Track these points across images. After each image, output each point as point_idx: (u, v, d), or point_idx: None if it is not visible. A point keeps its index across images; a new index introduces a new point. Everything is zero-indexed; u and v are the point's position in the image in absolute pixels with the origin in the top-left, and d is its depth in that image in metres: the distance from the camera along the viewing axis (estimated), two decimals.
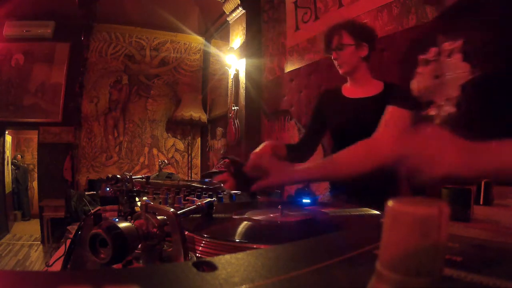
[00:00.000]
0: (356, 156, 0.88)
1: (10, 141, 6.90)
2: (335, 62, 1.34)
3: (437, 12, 0.85)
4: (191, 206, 0.53)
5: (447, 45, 0.76)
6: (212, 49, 5.32)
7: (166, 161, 5.15)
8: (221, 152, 4.65)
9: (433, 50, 0.79)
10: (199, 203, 0.55)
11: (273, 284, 0.18)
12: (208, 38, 5.42)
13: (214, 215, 0.58)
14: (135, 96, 5.28)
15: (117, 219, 0.40)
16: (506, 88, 0.66)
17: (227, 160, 2.05)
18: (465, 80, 0.71)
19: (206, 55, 5.59)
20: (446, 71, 0.75)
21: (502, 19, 0.66)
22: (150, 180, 1.00)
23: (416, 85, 0.84)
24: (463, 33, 0.72)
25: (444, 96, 0.77)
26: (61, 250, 0.70)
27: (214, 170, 2.06)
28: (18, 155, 7.26)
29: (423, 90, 0.82)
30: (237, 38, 3.77)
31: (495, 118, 0.69)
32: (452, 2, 0.77)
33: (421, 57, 0.83)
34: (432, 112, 0.80)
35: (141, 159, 5.28)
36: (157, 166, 5.08)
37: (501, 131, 0.57)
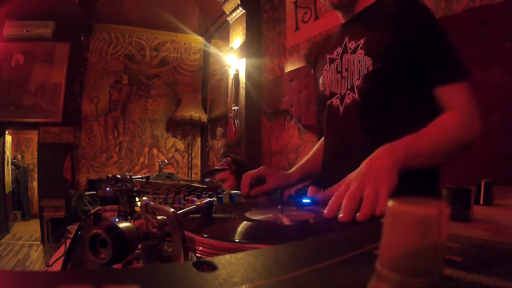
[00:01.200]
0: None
1: (10, 141, 6.90)
2: None
3: (345, 19, 1.00)
4: (191, 206, 0.53)
5: (352, 44, 0.92)
6: (212, 49, 5.32)
7: (166, 161, 5.15)
8: (221, 152, 4.65)
9: (338, 50, 0.96)
10: (199, 203, 0.55)
11: (273, 284, 0.18)
12: (208, 38, 5.42)
13: (214, 215, 0.58)
14: (135, 96, 5.28)
15: (117, 219, 0.40)
16: (397, 76, 0.83)
17: (229, 158, 2.05)
18: (367, 71, 0.85)
19: (206, 55, 5.59)
20: (351, 65, 0.90)
21: (394, 23, 0.84)
22: (150, 180, 1.00)
23: (321, 81, 1.01)
24: (365, 33, 0.89)
25: (346, 87, 0.92)
26: (61, 250, 0.70)
27: (216, 167, 2.06)
28: (18, 155, 7.27)
29: (327, 84, 0.99)
30: (237, 38, 3.77)
31: (388, 102, 0.85)
32: (357, 12, 0.95)
33: (329, 56, 0.99)
34: (336, 102, 0.95)
35: (141, 159, 5.28)
36: (157, 166, 5.08)
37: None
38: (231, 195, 0.88)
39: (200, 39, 5.51)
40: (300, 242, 0.26)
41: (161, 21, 4.88)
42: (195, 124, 5.22)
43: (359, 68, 0.87)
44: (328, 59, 0.99)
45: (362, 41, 0.88)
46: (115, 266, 0.35)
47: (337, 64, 0.95)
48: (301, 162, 1.15)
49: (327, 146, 1.03)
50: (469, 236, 0.29)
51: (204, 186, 1.07)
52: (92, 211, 0.83)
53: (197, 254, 0.43)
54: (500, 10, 1.54)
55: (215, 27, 5.06)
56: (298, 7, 3.02)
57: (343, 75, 0.92)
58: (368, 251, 0.24)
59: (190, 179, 5.03)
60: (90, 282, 0.16)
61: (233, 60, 3.78)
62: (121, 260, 0.36)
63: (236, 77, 3.83)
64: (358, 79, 0.87)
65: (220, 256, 0.22)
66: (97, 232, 0.35)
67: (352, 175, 0.63)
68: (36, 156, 5.12)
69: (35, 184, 6.69)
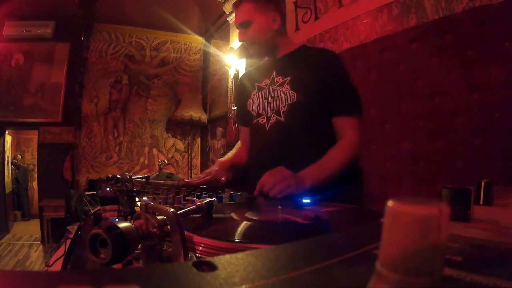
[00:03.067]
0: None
1: (10, 141, 6.90)
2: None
3: (270, 59, 1.28)
4: (191, 206, 0.53)
5: (279, 79, 1.20)
6: (212, 49, 5.32)
7: (166, 161, 5.15)
8: (221, 152, 4.65)
9: (266, 81, 1.25)
10: (199, 203, 0.55)
11: (273, 284, 0.18)
12: (208, 38, 5.42)
13: (214, 215, 0.58)
14: (135, 96, 5.28)
15: (117, 219, 0.40)
16: (314, 107, 1.13)
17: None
18: (292, 102, 1.14)
19: (206, 55, 5.59)
20: (277, 95, 1.19)
21: (311, 68, 1.16)
22: (150, 180, 1.00)
23: (250, 103, 1.29)
24: (291, 73, 1.17)
25: (272, 111, 1.20)
26: (61, 250, 0.69)
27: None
28: (18, 155, 7.27)
29: (255, 107, 1.27)
30: (237, 38, 3.76)
31: (306, 126, 1.15)
32: (280, 55, 1.25)
33: (257, 84, 1.28)
34: (263, 121, 1.22)
35: (141, 159, 5.28)
36: (157, 166, 5.08)
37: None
38: (231, 195, 0.88)
39: (200, 39, 5.51)
40: (300, 242, 0.26)
41: (161, 21, 4.88)
42: (195, 124, 5.22)
43: (286, 99, 1.15)
44: (256, 86, 1.27)
45: (288, 79, 1.16)
46: (115, 266, 0.35)
47: (265, 92, 1.23)
48: (228, 157, 1.42)
49: (252, 153, 1.30)
50: (469, 236, 0.29)
51: (204, 186, 1.07)
52: (92, 211, 0.83)
53: (197, 254, 0.43)
54: (500, 10, 1.54)
55: (215, 27, 5.05)
56: (298, 7, 3.02)
57: (269, 101, 1.21)
58: (368, 251, 0.24)
59: (190, 179, 5.01)
60: (90, 282, 0.16)
61: (233, 60, 3.78)
62: (121, 260, 0.36)
63: (236, 77, 3.82)
64: (284, 106, 1.16)
65: (220, 256, 0.22)
66: (97, 232, 0.35)
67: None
68: (36, 156, 5.12)
69: (35, 184, 6.69)
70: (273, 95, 1.20)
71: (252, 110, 1.27)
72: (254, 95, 1.28)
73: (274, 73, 1.22)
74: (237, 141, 1.52)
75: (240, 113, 1.39)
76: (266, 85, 1.24)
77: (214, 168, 1.32)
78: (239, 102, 1.42)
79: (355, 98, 1.14)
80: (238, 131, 3.66)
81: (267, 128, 1.20)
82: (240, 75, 3.74)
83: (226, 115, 4.03)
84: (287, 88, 1.15)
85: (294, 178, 0.95)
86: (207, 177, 1.23)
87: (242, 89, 1.38)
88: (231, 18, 3.87)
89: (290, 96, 1.14)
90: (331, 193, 0.96)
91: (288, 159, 1.06)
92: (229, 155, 1.45)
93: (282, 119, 1.16)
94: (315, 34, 2.80)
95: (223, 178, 1.24)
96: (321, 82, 1.11)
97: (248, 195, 1.00)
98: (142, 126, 5.30)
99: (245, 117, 1.33)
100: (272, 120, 1.19)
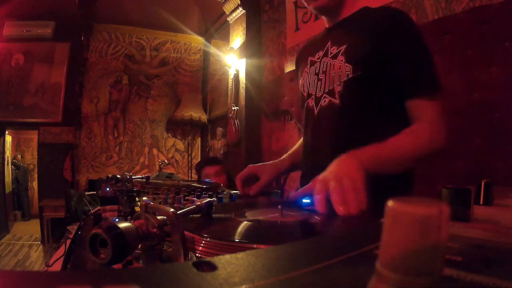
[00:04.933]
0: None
1: (10, 141, 6.90)
2: None
3: (329, 24, 1.02)
4: (191, 206, 0.53)
5: (334, 49, 0.93)
6: (212, 49, 5.32)
7: (166, 161, 5.15)
8: (221, 152, 4.65)
9: (320, 53, 0.98)
10: (199, 203, 0.55)
11: (273, 284, 0.18)
12: (208, 38, 5.42)
13: (214, 215, 0.58)
14: (135, 96, 5.28)
15: (117, 219, 0.40)
16: (375, 85, 0.86)
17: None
18: (347, 78, 0.87)
19: (206, 55, 5.59)
20: (330, 69, 0.92)
21: (376, 33, 0.86)
22: (150, 180, 1.00)
23: (301, 81, 1.05)
24: (347, 40, 0.90)
25: (323, 89, 0.93)
26: (61, 250, 0.69)
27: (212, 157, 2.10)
28: (18, 155, 7.27)
29: (306, 86, 1.02)
30: (237, 38, 3.77)
31: (367, 109, 0.88)
32: (341, 18, 0.97)
33: (311, 58, 1.02)
34: (311, 103, 0.97)
35: (141, 159, 5.28)
36: (157, 166, 5.08)
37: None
38: (231, 195, 0.88)
39: (200, 39, 5.51)
40: (300, 242, 0.26)
41: (161, 21, 4.88)
42: (195, 124, 5.22)
43: (340, 74, 0.89)
44: (309, 61, 1.02)
45: (343, 48, 0.90)
46: (115, 266, 0.35)
47: (316, 67, 0.98)
48: (290, 151, 1.18)
49: (303, 144, 1.06)
50: (469, 236, 0.29)
51: (204, 186, 1.07)
52: (92, 211, 0.83)
53: (197, 254, 0.43)
54: (500, 10, 1.54)
55: (215, 27, 5.06)
56: (298, 7, 3.02)
57: (320, 77, 0.95)
58: (368, 251, 0.24)
59: (190, 179, 5.02)
60: (90, 282, 0.16)
61: (233, 60, 3.78)
62: (121, 260, 0.36)
63: (236, 77, 3.83)
64: (339, 84, 0.89)
65: (220, 256, 0.22)
66: (97, 232, 0.35)
67: (321, 176, 0.66)
68: (36, 156, 5.12)
69: (35, 184, 6.69)
70: (324, 70, 0.93)
71: (304, 91, 1.03)
72: (306, 71, 1.03)
73: (329, 42, 0.96)
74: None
75: (299, 97, 1.12)
76: (318, 58, 0.98)
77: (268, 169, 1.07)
78: (298, 83, 1.14)
79: (435, 72, 0.84)
80: (240, 130, 3.67)
81: (315, 112, 0.95)
82: (240, 75, 3.75)
83: (226, 115, 4.03)
84: (341, 60, 0.89)
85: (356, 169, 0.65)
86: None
87: (297, 67, 1.15)
88: (231, 18, 3.87)
89: (345, 71, 0.87)
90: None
91: (337, 155, 0.73)
92: (294, 148, 1.19)
93: (337, 101, 0.89)
94: (315, 34, 2.80)
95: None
96: (386, 52, 0.84)
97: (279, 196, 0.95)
98: (142, 126, 5.30)
99: (301, 101, 1.08)
100: (324, 103, 0.93)
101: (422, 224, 0.16)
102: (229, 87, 3.97)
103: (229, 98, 3.97)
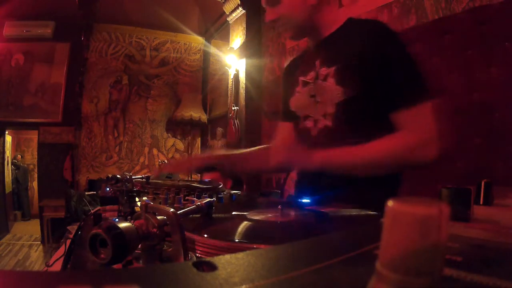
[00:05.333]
0: (264, 156, 1.13)
1: (10, 141, 6.90)
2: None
3: (314, 42, 1.01)
4: (191, 206, 0.53)
5: (323, 70, 0.93)
6: (212, 49, 5.32)
7: (166, 161, 5.15)
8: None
9: (312, 74, 0.97)
10: (199, 203, 0.55)
11: (273, 284, 0.18)
12: (208, 38, 5.42)
13: (214, 215, 0.58)
14: (135, 96, 5.28)
15: (117, 219, 0.40)
16: (367, 104, 0.87)
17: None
18: (339, 100, 0.89)
19: (206, 55, 5.59)
20: (323, 92, 0.93)
21: (360, 51, 0.86)
22: (150, 180, 1.00)
23: (293, 102, 1.04)
24: (336, 61, 0.91)
25: (320, 112, 0.95)
26: (61, 250, 0.70)
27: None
28: (18, 155, 7.26)
29: (300, 107, 1.02)
30: (237, 38, 3.77)
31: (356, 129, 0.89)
32: (324, 36, 0.96)
33: (301, 78, 1.01)
34: (309, 124, 0.98)
35: (141, 159, 5.28)
36: (157, 166, 5.08)
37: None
38: (231, 195, 0.88)
39: (200, 39, 5.50)
40: (300, 242, 0.26)
41: (161, 21, 4.88)
42: (195, 124, 5.22)
43: (331, 97, 0.90)
44: (301, 81, 1.01)
45: (332, 70, 0.91)
46: (115, 266, 0.35)
47: (310, 88, 0.98)
48: (248, 152, 1.20)
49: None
50: (469, 236, 0.29)
51: (204, 186, 1.06)
52: (92, 211, 0.83)
53: (197, 254, 0.43)
54: (500, 10, 1.54)
55: (215, 27, 5.05)
56: None
57: (317, 99, 0.96)
58: (368, 251, 0.24)
59: (190, 179, 5.02)
60: (90, 282, 0.16)
61: (233, 60, 3.78)
62: (121, 260, 0.36)
63: (236, 77, 3.82)
64: (331, 106, 0.91)
65: (220, 256, 0.22)
66: (97, 232, 0.35)
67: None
68: (36, 156, 5.12)
69: (35, 184, 6.69)
70: (320, 92, 0.95)
71: (297, 111, 1.03)
72: (298, 91, 1.02)
73: (318, 62, 0.96)
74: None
75: (284, 109, 1.13)
76: (312, 79, 0.98)
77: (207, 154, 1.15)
78: (282, 98, 1.16)
79: (420, 79, 0.84)
80: (240, 130, 3.66)
81: (314, 133, 0.97)
82: (240, 75, 3.75)
83: (226, 115, 4.03)
84: (332, 83, 0.90)
85: (300, 153, 0.87)
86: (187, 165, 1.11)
87: (285, 83, 1.15)
88: (231, 18, 3.87)
89: (336, 93, 0.88)
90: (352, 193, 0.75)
91: (342, 176, 0.81)
92: (242, 151, 1.21)
93: (329, 123, 0.92)
94: None
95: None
96: (373, 69, 0.84)
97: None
98: (142, 126, 5.30)
99: (290, 115, 1.09)
100: (320, 125, 0.95)
101: (422, 224, 0.16)
102: (229, 87, 3.96)
103: (229, 98, 3.97)
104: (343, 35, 0.94)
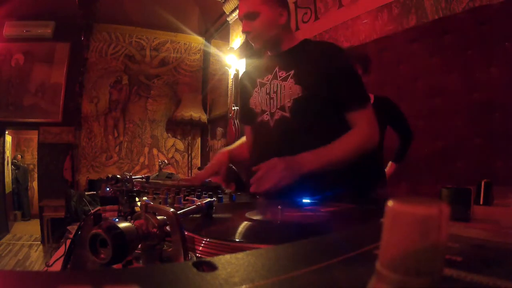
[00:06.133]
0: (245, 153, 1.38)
1: (10, 141, 6.90)
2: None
3: (272, 53, 1.22)
4: (191, 206, 0.53)
5: (282, 73, 1.15)
6: (212, 49, 5.32)
7: (166, 161, 5.15)
8: None
9: (268, 77, 1.19)
10: (199, 203, 0.55)
11: (273, 284, 0.18)
12: (208, 38, 5.42)
13: (214, 215, 0.58)
14: (135, 96, 5.28)
15: (117, 219, 0.40)
16: (319, 101, 1.08)
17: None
18: (297, 96, 1.09)
19: (206, 55, 5.59)
20: (280, 90, 1.13)
21: (315, 62, 1.10)
22: (150, 180, 1.00)
23: (252, 100, 1.25)
24: (294, 66, 1.13)
25: (275, 106, 1.14)
26: (61, 250, 0.69)
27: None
28: (18, 155, 7.27)
29: (257, 103, 1.22)
30: (237, 38, 3.77)
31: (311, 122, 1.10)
32: (283, 50, 1.19)
33: (259, 80, 1.23)
34: (267, 117, 1.17)
35: (141, 159, 5.28)
36: (157, 166, 5.08)
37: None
38: (231, 195, 0.88)
39: (200, 39, 5.51)
40: (300, 242, 0.26)
41: (161, 21, 4.88)
42: (195, 124, 5.22)
43: (290, 93, 1.10)
44: (258, 82, 1.23)
45: (291, 72, 1.12)
46: (115, 266, 0.35)
47: (266, 87, 1.19)
48: (229, 148, 1.39)
49: (256, 152, 1.27)
50: (469, 236, 0.29)
51: (204, 186, 1.07)
52: (92, 211, 0.83)
53: (197, 254, 0.43)
54: (500, 10, 1.54)
55: (215, 27, 5.05)
56: (298, 7, 3.02)
57: (271, 96, 1.16)
58: (368, 251, 0.24)
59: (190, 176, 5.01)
60: (90, 282, 0.16)
61: (233, 60, 3.78)
62: (121, 260, 0.35)
63: (236, 77, 3.82)
64: (289, 101, 1.10)
65: (220, 256, 0.22)
66: (97, 232, 0.35)
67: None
68: (36, 156, 5.12)
69: (35, 184, 6.69)
70: (275, 90, 1.15)
71: (255, 108, 1.23)
72: (256, 91, 1.23)
73: (277, 68, 1.17)
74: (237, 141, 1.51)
75: (243, 111, 1.36)
76: (268, 80, 1.19)
77: (214, 161, 1.28)
78: (241, 101, 1.38)
79: (362, 89, 1.10)
80: (240, 130, 3.67)
81: (271, 124, 1.16)
82: (240, 75, 3.75)
83: (226, 115, 4.03)
84: (291, 82, 1.10)
85: (287, 168, 0.93)
86: (202, 178, 1.18)
87: (243, 87, 1.35)
88: (231, 18, 3.87)
89: (295, 90, 1.09)
90: (343, 190, 0.93)
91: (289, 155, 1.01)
92: (232, 146, 1.41)
93: (288, 114, 1.11)
94: (315, 34, 2.80)
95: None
96: (325, 77, 1.07)
97: (248, 196, 1.00)
98: (142, 126, 5.30)
99: (248, 115, 1.29)
100: (277, 116, 1.14)
101: (422, 224, 0.16)
102: (229, 87, 3.97)
103: (229, 98, 3.97)
104: (301, 49, 1.17)
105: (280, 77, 1.15)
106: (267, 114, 1.17)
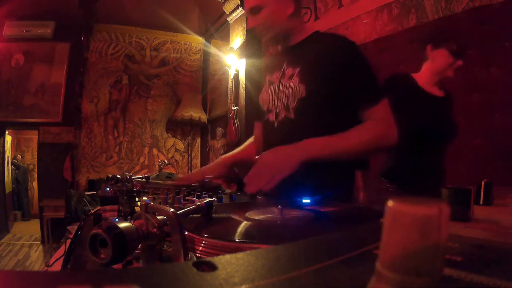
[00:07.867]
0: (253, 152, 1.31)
1: (10, 141, 6.90)
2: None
3: (283, 48, 1.16)
4: (191, 206, 0.53)
5: (289, 71, 1.09)
6: (212, 49, 5.32)
7: (166, 161, 5.15)
8: (221, 152, 4.65)
9: (277, 75, 1.14)
10: (199, 203, 0.55)
11: (273, 284, 0.18)
12: (208, 38, 5.42)
13: (214, 215, 0.58)
14: (135, 96, 5.27)
15: (117, 219, 0.40)
16: (325, 101, 1.01)
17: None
18: (301, 96, 1.03)
19: (206, 55, 5.59)
20: (286, 89, 1.08)
21: (323, 57, 1.02)
22: (150, 180, 1.00)
23: (260, 98, 1.21)
24: (301, 63, 1.05)
25: (280, 107, 1.10)
26: (61, 250, 0.69)
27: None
28: (18, 155, 7.26)
29: (265, 102, 1.17)
30: (237, 38, 3.77)
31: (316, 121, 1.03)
32: (292, 44, 1.12)
33: (268, 78, 1.18)
34: (272, 117, 1.13)
35: (141, 159, 5.28)
36: (157, 166, 5.08)
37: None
38: (231, 195, 0.88)
39: (200, 39, 5.50)
40: (300, 242, 0.26)
41: (161, 21, 4.87)
42: (195, 124, 5.22)
43: (294, 93, 1.04)
44: (267, 80, 1.18)
45: (297, 70, 1.06)
46: (115, 266, 0.35)
47: (275, 87, 1.14)
48: (240, 149, 1.38)
49: (263, 149, 1.20)
50: (469, 236, 0.29)
51: (204, 186, 1.07)
52: (92, 211, 0.83)
53: (197, 254, 0.43)
54: (500, 10, 1.54)
55: (215, 27, 5.05)
56: None
57: (279, 96, 1.11)
58: (368, 251, 0.24)
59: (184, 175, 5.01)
60: (90, 282, 0.16)
61: (233, 60, 3.77)
62: (121, 260, 0.36)
63: (236, 77, 3.83)
64: (293, 101, 1.05)
65: (220, 256, 0.22)
66: (97, 232, 0.35)
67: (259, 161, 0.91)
68: (36, 156, 5.12)
69: (35, 184, 6.69)
70: (281, 89, 1.10)
71: (263, 105, 1.19)
72: (265, 89, 1.19)
73: (285, 64, 1.12)
74: (238, 141, 1.51)
75: (255, 107, 1.30)
76: (277, 78, 1.14)
77: (213, 164, 1.27)
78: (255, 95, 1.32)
79: (377, 84, 1.01)
80: (240, 130, 3.67)
81: (275, 125, 1.11)
82: (240, 75, 3.75)
83: (226, 115, 4.03)
84: (296, 81, 1.05)
85: (282, 160, 0.88)
86: (199, 178, 1.16)
87: (257, 81, 1.30)
88: (231, 18, 3.87)
89: (299, 90, 1.03)
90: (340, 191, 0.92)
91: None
92: (236, 150, 1.37)
93: (292, 115, 1.06)
94: None
95: (216, 179, 1.19)
96: (336, 72, 0.98)
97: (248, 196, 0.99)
98: (142, 126, 5.30)
99: (259, 112, 1.25)
100: (281, 117, 1.09)
101: (422, 224, 0.16)
102: (229, 87, 3.96)
103: (229, 98, 3.97)
104: (310, 43, 1.09)
105: (286, 75, 1.10)
106: (272, 114, 1.14)
